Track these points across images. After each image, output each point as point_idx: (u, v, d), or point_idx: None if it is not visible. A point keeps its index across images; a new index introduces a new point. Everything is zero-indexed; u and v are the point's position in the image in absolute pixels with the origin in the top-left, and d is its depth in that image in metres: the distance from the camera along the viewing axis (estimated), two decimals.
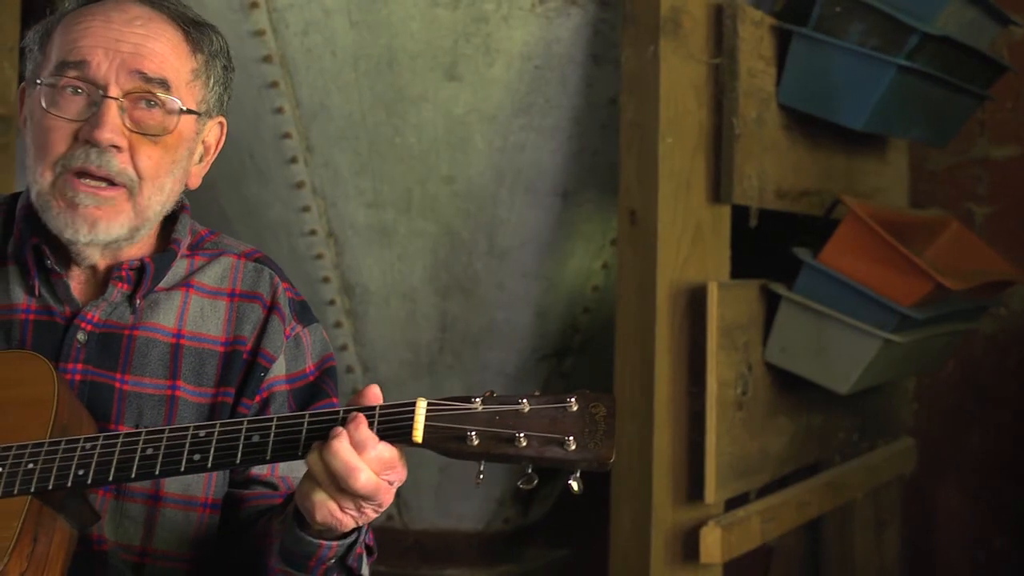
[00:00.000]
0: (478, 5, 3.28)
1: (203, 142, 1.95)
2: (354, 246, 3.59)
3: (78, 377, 1.83)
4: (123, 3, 1.88)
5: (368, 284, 3.63)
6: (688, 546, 3.11)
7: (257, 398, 1.92)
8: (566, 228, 3.60)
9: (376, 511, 1.64)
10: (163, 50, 1.86)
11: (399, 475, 1.62)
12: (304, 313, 2.00)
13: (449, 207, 3.53)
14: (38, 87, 1.85)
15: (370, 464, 1.59)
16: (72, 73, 1.82)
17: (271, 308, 1.95)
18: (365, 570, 1.82)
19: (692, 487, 3.13)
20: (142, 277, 1.91)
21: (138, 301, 1.90)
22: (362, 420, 1.61)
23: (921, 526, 4.67)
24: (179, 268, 1.95)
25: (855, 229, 3.17)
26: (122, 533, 1.83)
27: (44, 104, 1.83)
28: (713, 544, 3.06)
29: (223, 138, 1.98)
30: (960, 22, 3.35)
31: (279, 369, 1.94)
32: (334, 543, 1.68)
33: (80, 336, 1.87)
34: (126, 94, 1.82)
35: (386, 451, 1.60)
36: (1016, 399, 4.50)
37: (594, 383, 4.00)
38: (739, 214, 3.28)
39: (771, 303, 3.33)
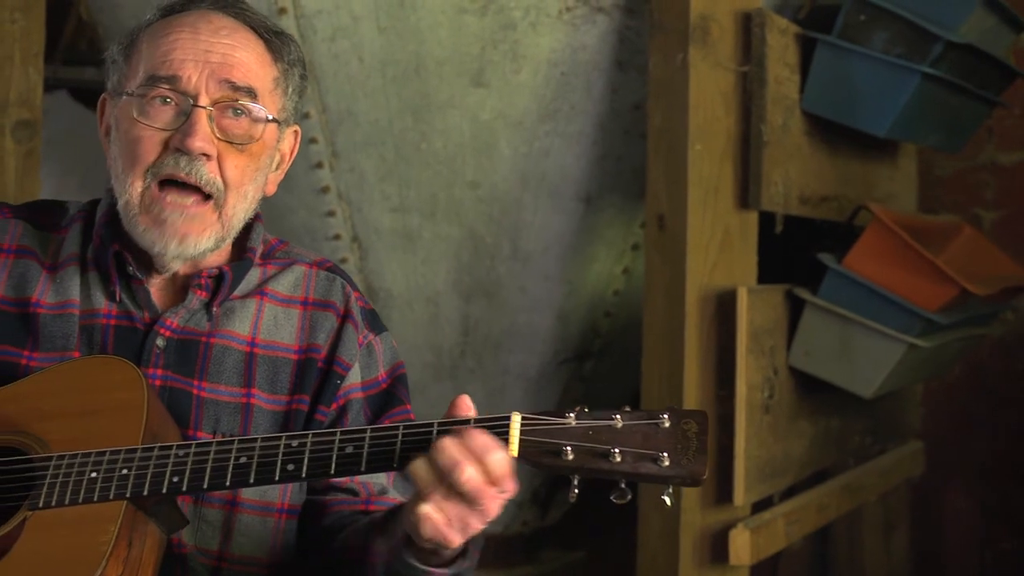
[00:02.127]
0: (506, 12, 3.30)
1: (279, 150, 1.97)
2: (378, 250, 3.61)
3: (158, 382, 1.86)
4: (208, 14, 1.90)
5: (392, 288, 3.65)
6: (716, 548, 3.14)
7: (334, 405, 1.94)
8: (588, 233, 3.63)
9: (481, 522, 1.61)
10: (249, 59, 1.89)
11: (514, 483, 1.60)
12: (375, 321, 2.02)
13: (473, 212, 3.55)
14: (125, 98, 1.87)
15: (479, 463, 1.58)
16: (163, 86, 1.84)
17: (344, 316, 1.98)
18: None
19: (720, 490, 3.15)
20: (220, 285, 1.93)
21: (215, 309, 1.92)
22: (466, 404, 1.63)
23: (928, 528, 4.72)
24: (252, 276, 1.98)
25: (880, 235, 3.21)
26: (201, 537, 1.85)
27: (134, 114, 1.84)
28: (742, 546, 3.09)
29: (297, 146, 2.01)
30: (980, 30, 3.39)
31: (354, 377, 1.96)
32: (445, 571, 1.68)
33: (159, 342, 1.89)
34: (214, 103, 1.85)
35: (499, 453, 1.58)
36: (1022, 401, 4.55)
37: (614, 386, 4.05)
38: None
39: (795, 308, 3.36)
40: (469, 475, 1.57)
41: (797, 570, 4.70)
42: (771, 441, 3.26)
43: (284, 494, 1.91)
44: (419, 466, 1.60)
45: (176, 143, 1.83)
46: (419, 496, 1.60)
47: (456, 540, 1.62)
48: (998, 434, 4.60)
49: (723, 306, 3.15)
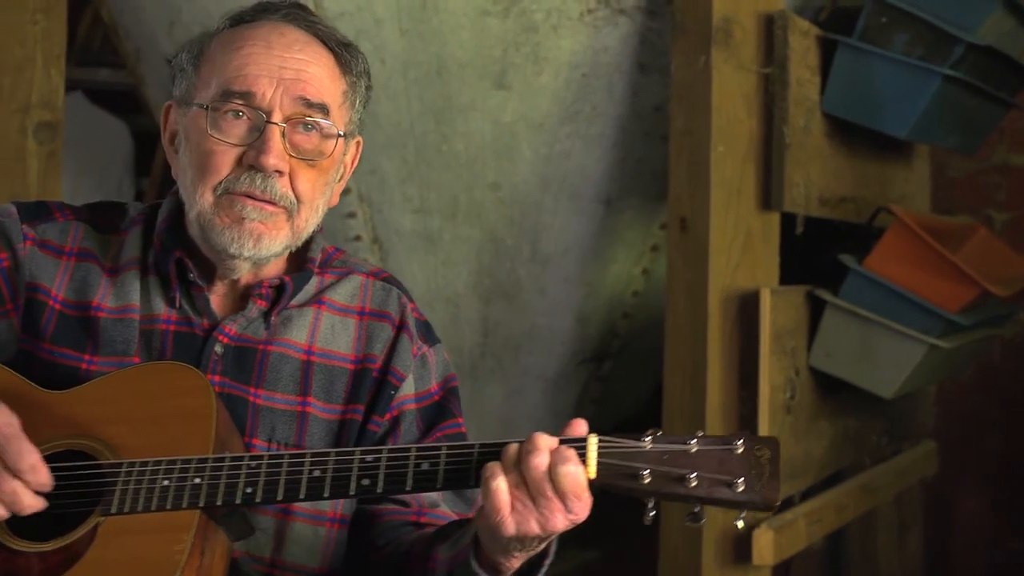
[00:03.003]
0: (528, 15, 3.32)
1: (343, 162, 1.97)
2: (399, 252, 3.62)
3: (215, 389, 1.86)
4: (280, 26, 1.90)
5: (412, 289, 3.63)
6: (739, 548, 3.15)
7: (387, 416, 1.94)
8: (608, 235, 3.64)
9: (540, 527, 1.61)
10: (321, 74, 1.89)
11: (584, 508, 1.60)
12: (429, 333, 2.03)
13: (494, 214, 3.57)
14: (195, 108, 1.87)
15: (552, 460, 1.59)
16: (236, 101, 1.84)
17: (400, 327, 1.98)
18: None
19: None
20: (280, 295, 1.94)
21: (273, 318, 1.93)
22: (581, 427, 1.64)
23: (941, 528, 4.74)
24: (310, 285, 1.98)
25: (902, 236, 3.23)
26: (253, 545, 1.86)
27: (207, 127, 1.84)
28: (766, 546, 3.10)
29: (359, 156, 2.01)
30: (999, 32, 3.41)
31: (408, 388, 1.96)
32: None
33: (218, 348, 1.90)
34: (287, 119, 1.85)
35: (572, 466, 1.59)
36: None
37: (631, 387, 4.07)
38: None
39: (815, 309, 3.38)
40: (537, 463, 1.59)
41: (811, 570, 4.72)
42: (792, 441, 3.28)
43: (336, 504, 1.91)
44: (511, 448, 1.63)
45: (250, 160, 1.83)
46: (499, 473, 1.61)
47: (510, 530, 1.61)
48: (1010, 435, 4.62)
49: (745, 307, 3.17)
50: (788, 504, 3.39)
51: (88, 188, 4.65)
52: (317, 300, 1.97)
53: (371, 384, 1.94)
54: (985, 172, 4.72)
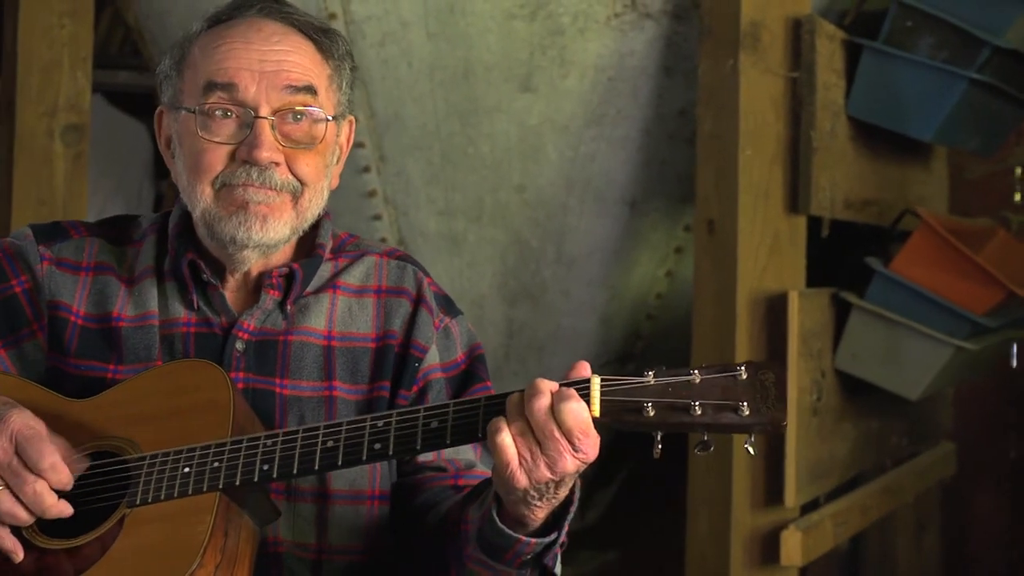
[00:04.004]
0: (555, 18, 3.33)
1: (338, 143, 2.00)
2: (424, 254, 3.64)
3: (240, 385, 1.88)
4: (256, 21, 1.92)
5: None
6: (767, 549, 3.17)
7: (414, 388, 1.96)
8: (632, 237, 3.66)
9: (551, 471, 1.62)
10: (302, 62, 1.91)
11: (591, 446, 1.61)
12: (450, 306, 2.04)
13: (519, 216, 3.58)
14: (183, 112, 1.90)
15: (555, 402, 1.60)
16: (220, 95, 1.86)
17: (418, 301, 2.00)
18: (558, 569, 1.84)
19: (769, 491, 3.19)
20: (291, 283, 1.96)
21: (289, 307, 1.95)
22: (584, 368, 1.66)
23: (958, 529, 4.75)
24: (324, 271, 2.01)
25: (928, 239, 3.24)
26: (298, 533, 1.88)
27: (197, 129, 1.87)
28: (794, 547, 3.12)
29: (352, 135, 2.04)
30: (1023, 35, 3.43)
31: (433, 358, 1.98)
32: (532, 540, 1.70)
33: (239, 345, 1.93)
34: (275, 112, 1.87)
35: (574, 403, 1.60)
36: None
37: None
38: None
39: (840, 311, 3.39)
40: (540, 404, 1.60)
41: (830, 570, 4.73)
42: (818, 443, 3.30)
43: (374, 480, 1.93)
44: (513, 397, 1.64)
45: (243, 156, 1.85)
46: (504, 427, 1.63)
47: (522, 482, 1.63)
48: None
49: (773, 310, 3.18)
50: (814, 505, 3.40)
51: (108, 190, 4.66)
52: (332, 285, 1.99)
53: (394, 359, 1.96)
54: (1002, 174, 4.73)
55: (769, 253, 3.19)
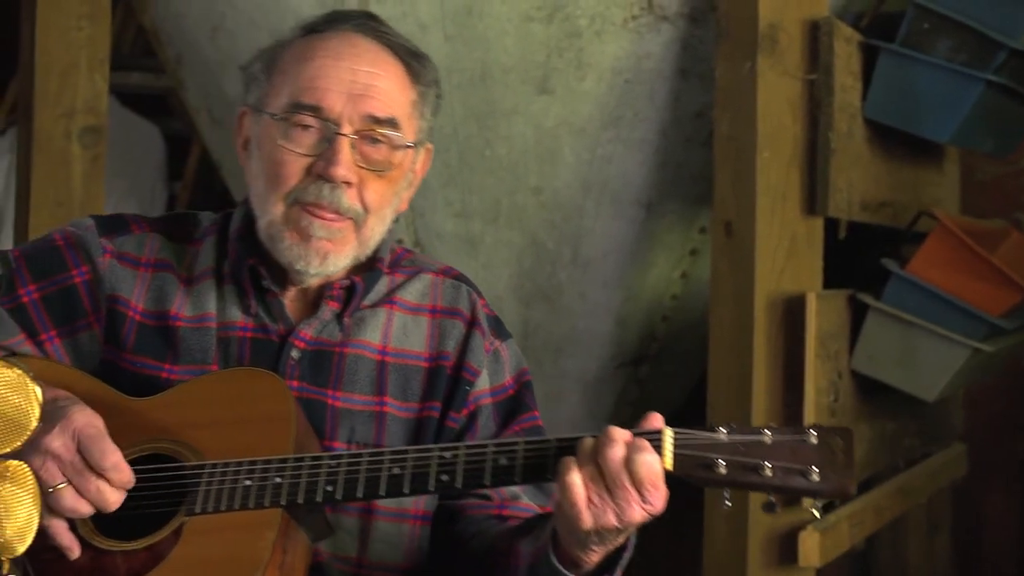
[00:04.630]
0: (572, 20, 3.34)
1: (413, 170, 2.01)
2: (440, 255, 3.64)
3: (294, 394, 1.88)
4: (350, 37, 1.93)
5: None
6: (784, 550, 3.17)
7: (464, 411, 1.98)
8: (648, 239, 3.67)
9: (617, 520, 1.63)
10: (390, 88, 1.92)
11: (660, 498, 1.63)
12: (500, 328, 2.06)
13: (535, 218, 3.59)
14: (268, 118, 1.91)
15: (629, 451, 1.62)
16: (306, 113, 1.88)
17: (472, 323, 2.02)
18: None
19: None
20: (351, 296, 1.96)
21: (346, 319, 1.96)
22: (656, 420, 1.68)
23: (969, 530, 4.76)
24: (380, 285, 2.01)
25: (944, 241, 3.25)
26: (338, 545, 1.89)
27: (277, 137, 1.89)
28: (812, 548, 3.13)
29: (429, 162, 2.04)
30: None
31: (483, 383, 2.00)
32: None
33: (294, 354, 1.93)
34: (356, 132, 1.88)
35: (649, 455, 1.62)
36: None
37: (667, 390, 4.09)
38: None
39: (856, 312, 3.40)
40: (614, 454, 1.61)
41: (841, 571, 4.74)
42: None
43: (418, 501, 1.94)
44: (586, 441, 1.65)
45: (319, 170, 1.87)
46: (574, 467, 1.64)
47: (587, 523, 1.63)
48: None
49: (790, 311, 3.19)
50: (830, 506, 3.41)
51: (121, 192, 4.67)
52: (389, 300, 2.00)
53: (446, 381, 1.97)
54: (1014, 175, 4.74)
55: (787, 255, 3.20)
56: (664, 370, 3.96)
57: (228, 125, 3.91)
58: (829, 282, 3.41)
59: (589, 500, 1.63)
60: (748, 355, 3.15)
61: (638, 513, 1.63)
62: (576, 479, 1.62)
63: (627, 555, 1.75)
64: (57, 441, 1.69)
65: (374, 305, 1.99)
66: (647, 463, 1.61)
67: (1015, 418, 4.69)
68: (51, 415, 1.72)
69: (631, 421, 4.15)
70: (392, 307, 2.00)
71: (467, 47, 3.37)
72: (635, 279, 3.72)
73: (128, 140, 4.78)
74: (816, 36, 3.20)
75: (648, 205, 3.60)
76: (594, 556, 1.70)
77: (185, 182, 5.01)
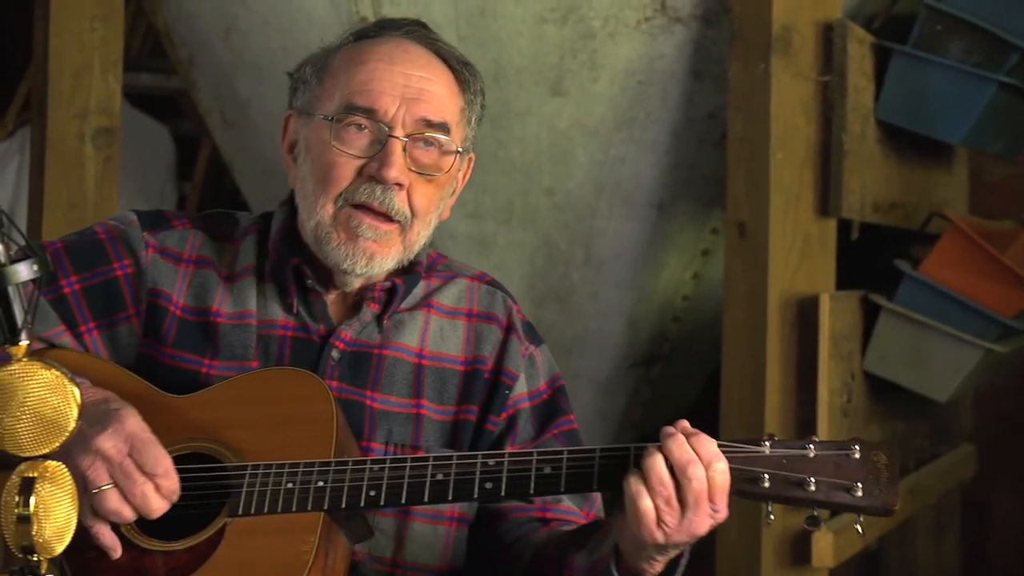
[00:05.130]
0: (585, 22, 3.35)
1: (456, 177, 2.01)
2: (453, 256, 3.62)
3: (333, 394, 1.89)
4: (403, 43, 1.94)
5: None
6: (797, 550, 3.18)
7: (503, 415, 1.98)
8: (660, 239, 3.68)
9: (688, 534, 1.64)
10: (442, 93, 1.93)
11: (723, 504, 1.64)
12: (533, 333, 2.06)
13: (548, 218, 3.60)
14: (318, 119, 1.92)
15: (707, 468, 1.62)
16: (359, 115, 1.88)
17: (508, 329, 2.02)
18: None
19: None
20: (391, 298, 1.97)
21: (385, 321, 1.96)
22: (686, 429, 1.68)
23: (977, 530, 4.77)
24: (418, 289, 2.02)
25: (957, 242, 3.27)
26: (374, 545, 1.89)
27: (330, 139, 1.89)
28: (825, 548, 3.14)
29: (469, 172, 2.05)
30: None
31: (521, 387, 2.00)
32: None
33: (334, 354, 1.94)
34: (408, 134, 1.89)
35: (723, 463, 1.63)
36: None
37: (678, 390, 4.10)
38: None
39: (868, 313, 3.41)
40: (698, 475, 1.62)
41: (851, 571, 4.75)
42: None
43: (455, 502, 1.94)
44: (657, 463, 1.64)
45: (372, 171, 1.87)
46: (646, 490, 1.63)
47: (659, 540, 1.64)
48: None
49: (803, 312, 3.20)
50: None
51: (131, 192, 4.67)
52: (426, 304, 2.01)
53: (483, 385, 1.98)
54: (1021, 176, 4.75)
55: (800, 256, 3.21)
56: (675, 370, 3.97)
57: (240, 126, 3.92)
58: (840, 283, 3.42)
59: (661, 520, 1.64)
60: (761, 355, 3.16)
61: (707, 524, 1.65)
62: (647, 503, 1.63)
63: (684, 560, 1.75)
64: (109, 443, 1.70)
65: (412, 308, 2.00)
66: (723, 472, 1.63)
67: (1023, 419, 4.69)
68: (103, 416, 1.73)
69: (642, 422, 4.17)
70: (429, 310, 2.00)
71: (480, 48, 3.38)
72: (647, 280, 3.73)
73: (138, 141, 4.78)
74: (829, 38, 3.22)
75: (660, 206, 3.61)
76: (658, 566, 1.71)
77: (195, 183, 5.02)
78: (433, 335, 1.99)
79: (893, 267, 3.38)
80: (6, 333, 1.33)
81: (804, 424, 3.19)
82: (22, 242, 1.36)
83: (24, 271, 1.32)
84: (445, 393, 1.97)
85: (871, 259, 3.62)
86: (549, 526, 1.92)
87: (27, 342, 1.34)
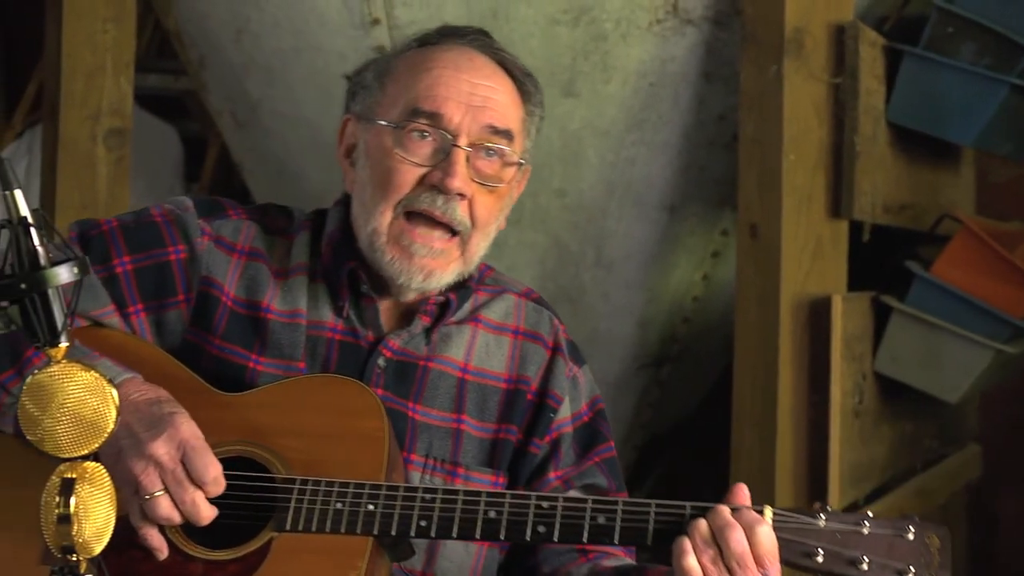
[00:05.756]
0: (598, 24, 3.36)
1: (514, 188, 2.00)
2: None
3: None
4: (468, 51, 1.94)
5: None
6: None
7: (547, 438, 1.97)
8: (670, 241, 3.69)
9: None
10: (506, 102, 1.92)
11: (777, 570, 1.65)
12: (576, 354, 2.05)
13: (559, 220, 3.61)
14: (379, 125, 1.90)
15: (748, 531, 1.64)
16: (423, 120, 1.87)
17: (554, 349, 2.01)
18: None
19: (812, 494, 3.21)
20: (444, 312, 1.96)
21: (433, 334, 1.95)
22: (744, 492, 1.70)
23: (983, 531, 4.78)
24: (466, 302, 2.00)
25: (968, 243, 3.28)
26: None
27: (391, 145, 1.88)
28: None
29: (524, 184, 2.04)
30: None
31: (565, 411, 1.99)
32: None
33: (380, 362, 1.92)
34: (471, 144, 1.87)
35: (766, 528, 1.65)
36: None
37: (686, 391, 4.11)
38: None
39: (879, 314, 3.42)
40: (738, 539, 1.64)
41: None
42: (859, 446, 3.33)
43: None
44: (701, 525, 1.67)
45: (434, 181, 1.85)
46: (691, 551, 1.66)
47: None
48: None
49: (815, 313, 3.21)
50: (854, 508, 3.43)
51: (139, 193, 4.66)
52: (474, 318, 1.99)
53: (526, 407, 1.97)
54: None
55: (812, 257, 3.22)
56: (684, 371, 3.99)
57: (251, 127, 3.92)
58: (849, 284, 3.43)
59: None
60: (774, 356, 3.17)
61: None
62: (693, 562, 1.65)
63: None
64: (162, 449, 1.70)
65: (460, 322, 1.98)
66: (766, 535, 1.64)
67: None
68: (157, 420, 1.73)
69: (651, 422, 4.18)
70: (477, 325, 1.99)
71: None
72: (657, 281, 3.74)
73: (145, 142, 4.77)
74: (842, 40, 3.23)
75: (671, 207, 3.62)
76: None
77: (202, 183, 5.02)
78: (479, 350, 1.98)
79: (900, 268, 3.38)
80: (46, 335, 1.33)
81: (817, 426, 3.20)
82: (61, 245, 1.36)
83: (64, 274, 1.33)
84: (486, 410, 1.96)
85: (879, 260, 3.63)
86: (588, 557, 1.92)
87: (66, 344, 1.35)
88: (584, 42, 3.38)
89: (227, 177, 4.96)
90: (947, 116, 3.35)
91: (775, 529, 1.66)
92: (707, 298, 3.85)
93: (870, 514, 1.68)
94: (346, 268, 1.94)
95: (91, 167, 3.57)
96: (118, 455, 1.70)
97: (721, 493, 3.24)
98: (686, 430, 4.37)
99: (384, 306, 1.96)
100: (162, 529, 1.74)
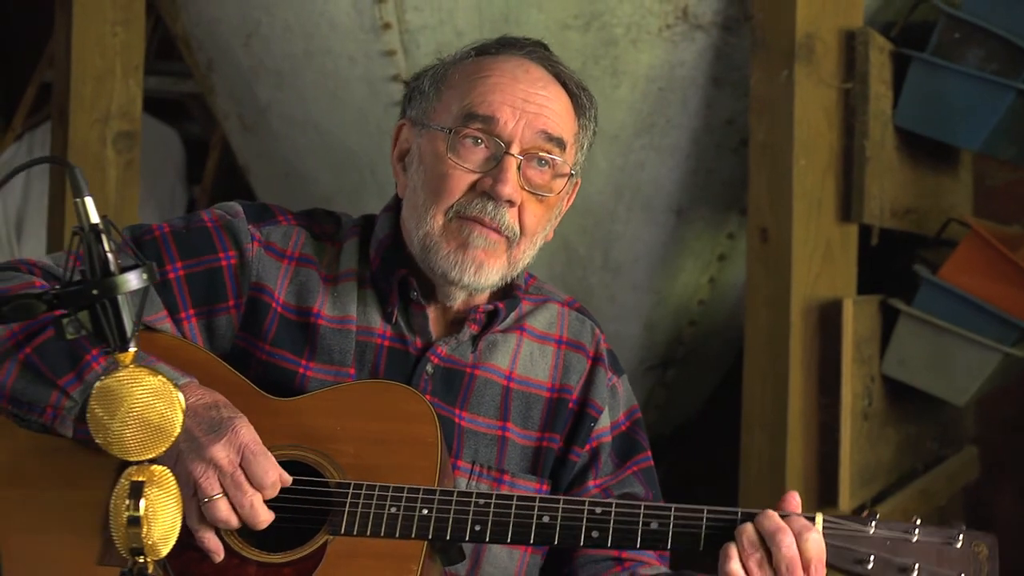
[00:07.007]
0: (608, 29, 3.38)
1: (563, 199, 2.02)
2: None
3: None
4: (525, 63, 1.96)
5: None
6: None
7: (587, 447, 1.99)
8: (678, 244, 3.71)
9: None
10: (560, 112, 1.94)
11: (820, 572, 1.68)
12: (616, 363, 2.08)
13: (567, 223, 3.57)
14: (433, 130, 1.93)
15: (797, 537, 1.67)
16: (477, 125, 1.89)
17: (595, 359, 2.04)
18: None
19: (821, 496, 3.24)
20: (492, 320, 1.98)
21: (480, 342, 1.97)
22: (796, 500, 1.73)
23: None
24: (512, 311, 2.03)
25: (975, 247, 3.31)
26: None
27: (445, 150, 1.90)
28: None
29: (574, 196, 2.06)
30: None
31: (605, 420, 2.02)
32: None
33: (428, 368, 1.94)
34: (524, 152, 1.89)
35: (815, 534, 1.69)
36: None
37: (691, 393, 4.13)
38: None
39: (887, 317, 3.45)
40: (788, 544, 1.67)
41: None
42: (868, 447, 3.36)
43: None
44: (748, 528, 1.70)
45: (485, 187, 1.87)
46: (736, 555, 1.69)
47: None
48: None
49: (825, 316, 3.24)
50: (861, 510, 3.45)
51: (141, 195, 4.66)
52: (519, 327, 2.02)
53: (568, 415, 1.99)
54: (1022, 181, 4.80)
55: (822, 261, 3.25)
56: (690, 373, 4.01)
57: (259, 131, 3.93)
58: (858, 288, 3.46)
59: None
60: (784, 359, 3.20)
61: None
62: (737, 566, 1.68)
63: None
64: (222, 452, 1.72)
65: (505, 330, 2.00)
66: (816, 542, 1.68)
67: None
68: (217, 424, 1.75)
69: (658, 424, 4.19)
70: (522, 333, 2.01)
71: None
72: (664, 284, 3.76)
73: (148, 144, 4.77)
74: (852, 45, 3.26)
75: (679, 211, 3.64)
76: None
77: (204, 186, 5.02)
78: (523, 359, 2.00)
79: (905, 271, 3.41)
80: (116, 341, 1.34)
81: (827, 428, 3.22)
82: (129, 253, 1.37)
83: (134, 280, 1.34)
84: (530, 418, 1.98)
85: (884, 263, 3.66)
86: (623, 566, 1.94)
87: (135, 349, 1.36)
88: (594, 47, 3.40)
89: (229, 180, 4.96)
90: (954, 121, 3.38)
91: (825, 536, 1.69)
92: (713, 301, 3.87)
93: (918, 521, 1.70)
94: (397, 276, 1.95)
95: (101, 170, 3.58)
96: (177, 458, 1.71)
97: (724, 494, 3.28)
98: (690, 432, 4.39)
99: (433, 313, 1.97)
100: (217, 532, 1.75)
